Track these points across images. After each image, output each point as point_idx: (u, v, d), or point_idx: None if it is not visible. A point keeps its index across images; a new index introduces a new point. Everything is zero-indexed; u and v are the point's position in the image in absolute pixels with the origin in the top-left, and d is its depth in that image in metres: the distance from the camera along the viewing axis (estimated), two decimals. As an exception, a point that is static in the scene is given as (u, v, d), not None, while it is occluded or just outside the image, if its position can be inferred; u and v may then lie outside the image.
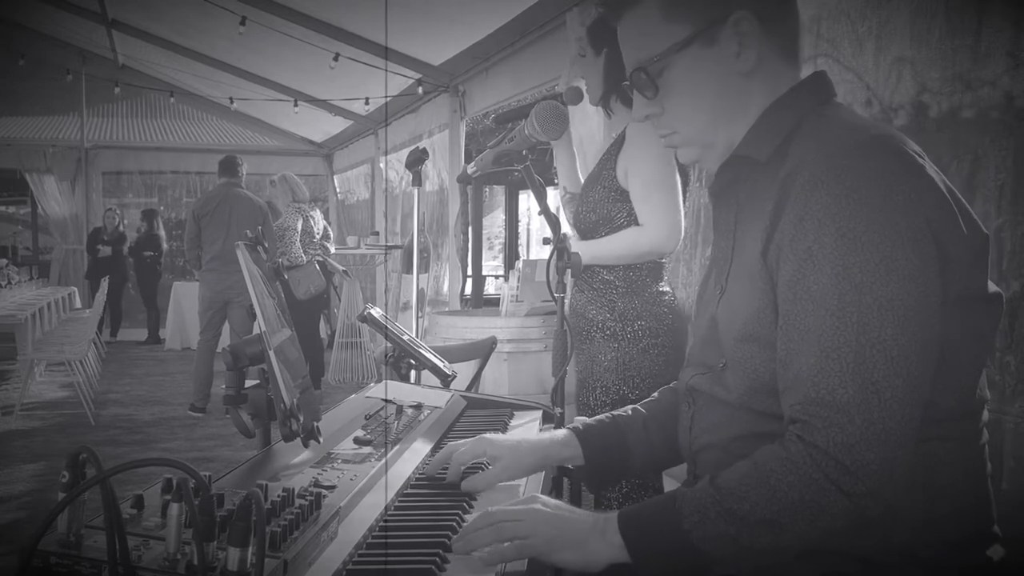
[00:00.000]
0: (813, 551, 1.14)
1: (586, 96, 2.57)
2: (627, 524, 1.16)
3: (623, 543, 1.15)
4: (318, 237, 7.15)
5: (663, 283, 2.50)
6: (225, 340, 6.56)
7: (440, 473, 1.49)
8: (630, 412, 1.54)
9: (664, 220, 2.35)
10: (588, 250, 2.40)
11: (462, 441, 1.50)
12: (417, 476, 1.51)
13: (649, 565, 1.14)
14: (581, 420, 1.55)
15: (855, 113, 1.32)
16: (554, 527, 1.18)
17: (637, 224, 2.40)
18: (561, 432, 1.52)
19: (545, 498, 1.24)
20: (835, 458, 1.06)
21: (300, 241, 6.94)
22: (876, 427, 1.05)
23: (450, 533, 1.21)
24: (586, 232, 2.47)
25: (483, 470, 1.46)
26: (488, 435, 1.49)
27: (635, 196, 2.38)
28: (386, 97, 7.86)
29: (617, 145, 2.42)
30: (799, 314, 1.11)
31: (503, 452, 1.45)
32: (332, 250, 7.61)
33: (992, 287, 1.18)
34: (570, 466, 1.56)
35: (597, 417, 1.55)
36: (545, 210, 2.07)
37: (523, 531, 1.17)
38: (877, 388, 1.06)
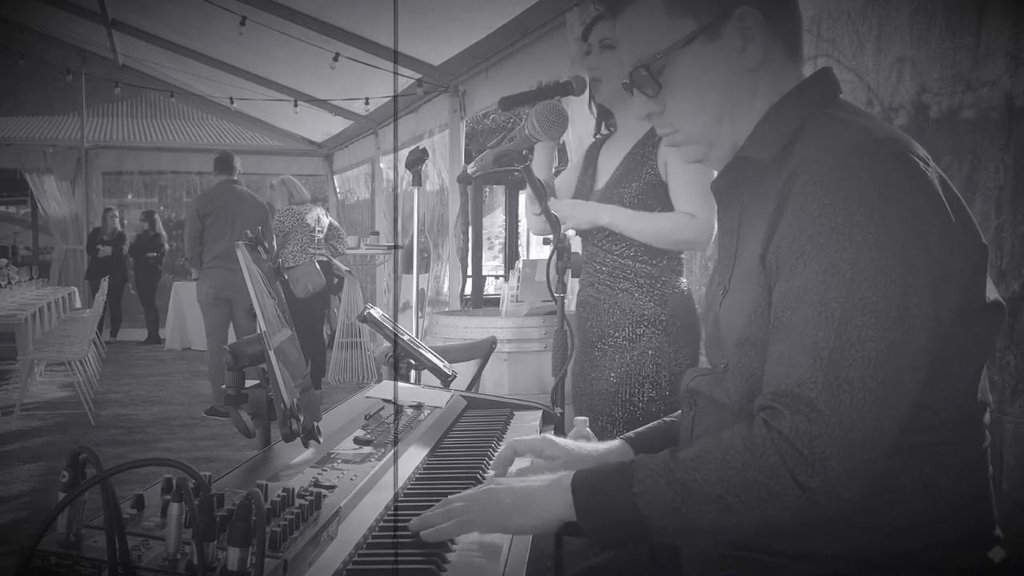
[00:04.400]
0: (812, 554, 1.14)
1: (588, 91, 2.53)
2: (580, 481, 1.16)
3: (572, 499, 1.15)
4: (319, 236, 7.16)
5: (684, 279, 2.49)
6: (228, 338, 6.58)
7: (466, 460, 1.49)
8: (679, 416, 1.53)
9: (711, 212, 2.30)
10: (621, 217, 2.36)
11: (527, 437, 1.51)
12: (418, 474, 1.51)
13: (592, 523, 1.14)
14: (634, 430, 1.55)
15: (862, 112, 1.31)
16: (500, 497, 1.19)
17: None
18: (615, 442, 1.51)
19: (505, 479, 1.26)
20: (795, 447, 1.05)
21: (299, 241, 6.96)
22: (844, 426, 1.04)
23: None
24: None
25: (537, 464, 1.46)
26: (551, 436, 1.49)
27: (680, 188, 2.34)
28: (393, 97, 7.86)
29: (655, 135, 2.38)
30: (785, 310, 1.11)
31: (562, 453, 1.44)
32: (346, 243, 7.62)
33: (992, 295, 1.17)
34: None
35: (648, 425, 1.55)
36: (545, 210, 2.06)
37: (468, 508, 1.18)
38: (851, 388, 1.05)
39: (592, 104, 2.61)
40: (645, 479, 1.12)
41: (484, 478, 1.53)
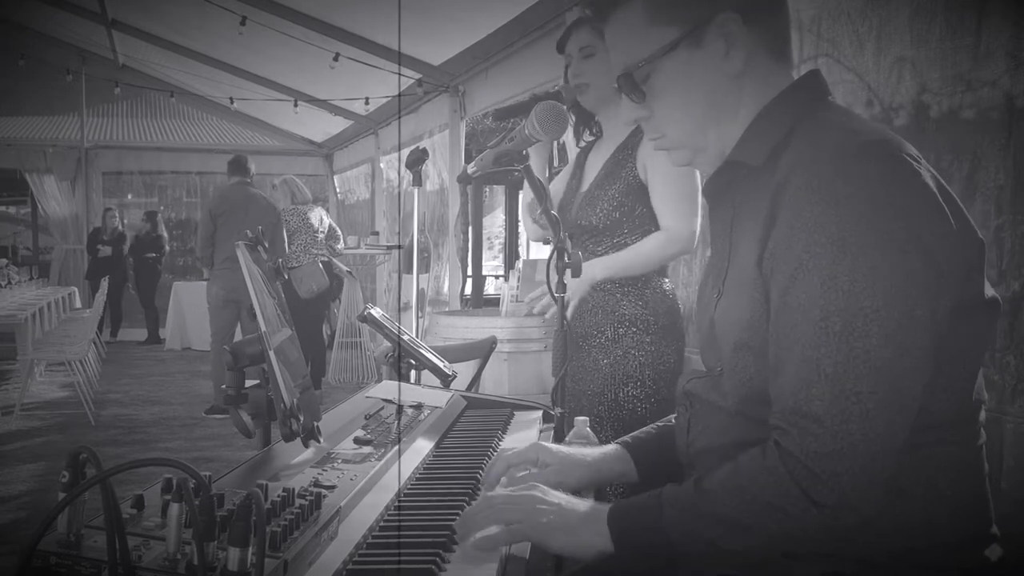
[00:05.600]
0: (809, 554, 1.14)
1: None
2: (615, 516, 1.18)
3: (608, 533, 1.17)
4: (321, 236, 7.17)
5: (668, 279, 2.52)
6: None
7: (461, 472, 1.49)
8: (673, 420, 1.51)
9: (688, 221, 2.36)
10: (611, 264, 2.39)
11: (517, 448, 1.48)
12: (418, 474, 1.51)
13: (630, 557, 1.16)
14: (628, 435, 1.53)
15: (851, 114, 1.31)
16: (549, 514, 1.19)
17: (654, 220, 2.40)
18: (611, 447, 1.49)
19: (544, 487, 1.25)
20: (807, 467, 1.06)
21: (302, 241, 6.97)
22: (854, 438, 1.05)
23: (450, 532, 1.21)
24: (603, 231, 2.44)
25: (532, 472, 1.43)
26: (544, 442, 1.48)
27: (657, 195, 2.37)
28: (398, 95, 7.86)
29: (635, 139, 2.41)
30: (786, 324, 1.11)
31: (555, 460, 1.43)
32: (342, 244, 7.64)
33: (989, 292, 1.17)
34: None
35: (643, 429, 1.54)
36: (546, 210, 2.06)
37: (518, 516, 1.19)
38: (859, 399, 1.05)
39: (570, 112, 2.61)
40: (674, 511, 1.14)
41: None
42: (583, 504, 1.22)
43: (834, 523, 1.07)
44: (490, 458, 1.61)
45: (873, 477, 1.06)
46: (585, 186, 2.53)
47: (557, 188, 2.68)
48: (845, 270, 1.07)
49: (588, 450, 1.49)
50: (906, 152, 1.14)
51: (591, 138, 2.63)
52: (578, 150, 2.72)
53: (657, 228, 2.41)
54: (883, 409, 1.05)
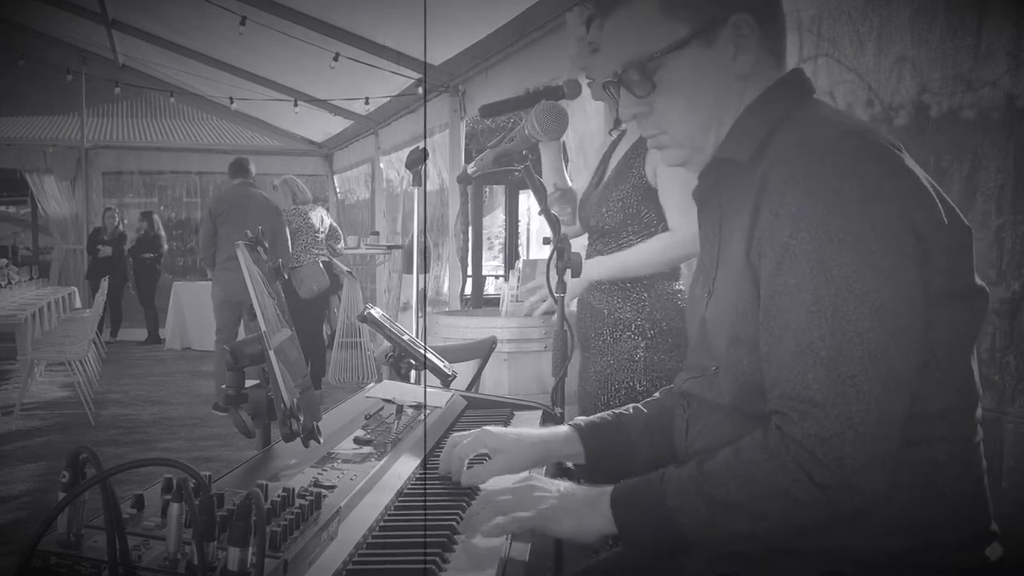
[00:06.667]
0: (809, 551, 1.15)
1: (586, 93, 2.53)
2: (617, 499, 1.19)
3: (612, 515, 1.18)
4: (322, 236, 7.17)
5: (678, 282, 2.47)
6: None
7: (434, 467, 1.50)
8: (632, 411, 1.52)
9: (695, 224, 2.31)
10: (613, 263, 2.34)
11: (465, 433, 1.49)
12: (418, 474, 1.51)
13: (634, 540, 1.17)
14: (583, 418, 1.53)
15: (835, 109, 1.32)
16: (550, 500, 1.21)
17: (665, 224, 2.35)
18: (563, 428, 1.50)
19: (542, 477, 1.27)
20: (810, 451, 1.07)
21: (303, 241, 6.97)
22: (853, 420, 1.06)
23: (450, 532, 1.21)
24: (608, 232, 2.41)
25: (484, 463, 1.45)
26: (490, 427, 1.48)
27: (666, 197, 2.31)
28: (386, 97, 7.86)
29: (645, 142, 2.36)
30: (777, 309, 1.12)
31: (505, 445, 1.44)
32: (342, 244, 7.64)
33: (977, 281, 1.18)
34: (571, 465, 1.54)
35: (599, 415, 1.54)
36: (545, 210, 2.06)
37: (520, 506, 1.20)
38: (855, 381, 1.06)
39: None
40: (677, 495, 1.14)
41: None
42: (582, 488, 1.24)
43: (837, 506, 1.08)
44: (490, 458, 1.61)
45: (874, 458, 1.07)
46: (601, 184, 2.51)
47: (580, 185, 2.66)
48: (832, 256, 1.08)
49: (536, 431, 1.51)
50: (887, 141, 1.16)
51: (623, 130, 2.60)
52: (607, 144, 2.69)
53: (663, 232, 2.37)
54: (879, 392, 1.06)
